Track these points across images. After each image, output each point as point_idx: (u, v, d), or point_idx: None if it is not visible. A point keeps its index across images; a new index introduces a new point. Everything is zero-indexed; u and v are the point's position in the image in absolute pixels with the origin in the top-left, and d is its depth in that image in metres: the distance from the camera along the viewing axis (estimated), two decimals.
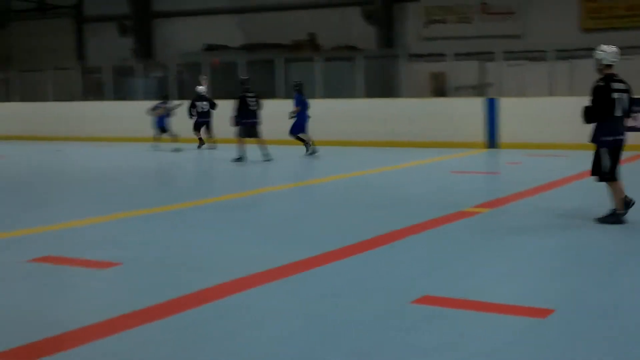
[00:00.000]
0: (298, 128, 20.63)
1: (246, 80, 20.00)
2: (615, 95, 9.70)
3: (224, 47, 31.79)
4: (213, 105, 23.60)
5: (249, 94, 19.48)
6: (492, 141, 22.03)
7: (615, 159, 9.88)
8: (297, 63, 28.37)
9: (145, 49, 34.80)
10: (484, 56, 26.43)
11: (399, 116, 23.47)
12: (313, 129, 24.35)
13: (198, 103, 23.48)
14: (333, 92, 25.29)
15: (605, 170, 9.87)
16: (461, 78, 25.69)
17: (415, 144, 22.51)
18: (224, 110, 21.45)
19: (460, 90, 26.05)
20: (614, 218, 9.86)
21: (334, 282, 7.23)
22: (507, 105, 21.93)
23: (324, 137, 24.30)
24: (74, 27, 37.53)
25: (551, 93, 22.09)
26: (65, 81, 31.35)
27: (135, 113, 26.18)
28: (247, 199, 12.88)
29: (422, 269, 7.75)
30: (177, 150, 21.89)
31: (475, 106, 22.46)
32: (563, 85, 23.19)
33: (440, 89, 26.79)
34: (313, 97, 25.06)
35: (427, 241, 9.25)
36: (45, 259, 8.30)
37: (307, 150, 20.53)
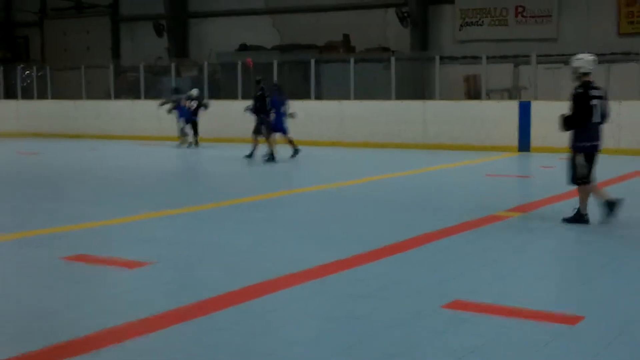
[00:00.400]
0: (278, 127, 20.20)
1: (261, 80, 20.04)
2: (594, 101, 10.04)
3: (258, 48, 31.85)
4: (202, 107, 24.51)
5: (266, 94, 19.56)
6: (525, 145, 21.92)
7: (590, 164, 10.17)
8: (331, 64, 28.39)
9: (180, 49, 34.94)
10: (519, 59, 26.33)
11: (432, 118, 23.43)
12: (347, 129, 24.41)
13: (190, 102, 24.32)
14: (366, 93, 25.28)
15: (582, 174, 10.15)
16: (495, 81, 25.60)
17: (447, 147, 22.46)
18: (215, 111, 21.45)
19: (494, 93, 25.95)
20: (578, 218, 10.17)
21: (365, 284, 7.24)
22: (541, 109, 21.80)
23: (356, 139, 24.34)
24: (110, 26, 37.75)
25: None
26: (99, 79, 31.57)
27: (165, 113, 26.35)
28: (278, 199, 12.91)
29: (453, 273, 7.74)
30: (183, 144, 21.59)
31: (508, 109, 22.37)
32: None
33: (473, 91, 26.71)
34: (347, 98, 25.10)
35: (459, 245, 9.22)
36: (78, 258, 8.37)
37: (267, 154, 19.78)
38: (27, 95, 32.10)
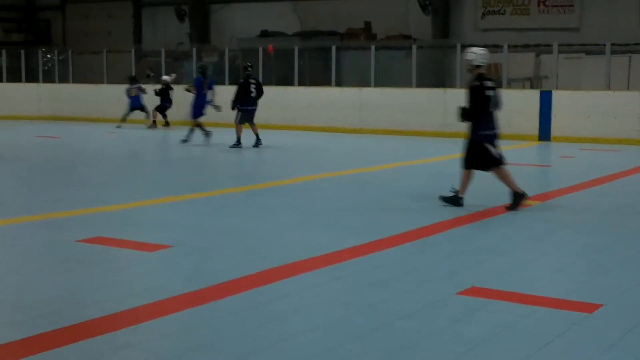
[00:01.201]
0: (196, 112, 20.18)
1: (249, 66, 19.93)
2: (489, 92, 10.52)
3: (280, 34, 31.81)
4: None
5: (252, 81, 19.41)
6: (545, 134, 21.82)
7: (489, 152, 10.65)
8: (351, 51, 28.32)
9: (201, 34, 34.93)
10: (540, 49, 26.19)
11: (452, 107, 23.31)
12: (367, 117, 24.35)
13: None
14: (387, 81, 25.21)
15: (496, 157, 10.64)
16: (516, 70, 25.47)
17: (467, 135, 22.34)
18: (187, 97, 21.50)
19: (515, 83, 25.84)
20: (454, 200, 10.65)
21: (381, 271, 7.24)
22: (562, 99, 21.69)
23: (376, 126, 24.29)
24: (132, 10, 37.80)
25: (607, 87, 21.80)
26: (120, 64, 31.63)
27: (189, 97, 26.35)
28: (294, 185, 12.92)
29: (469, 261, 7.73)
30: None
31: (529, 99, 22.26)
32: (620, 79, 22.90)
33: (495, 80, 26.58)
34: (368, 85, 25.05)
35: (475, 233, 9.22)
36: (95, 240, 8.41)
37: (205, 135, 20.10)
38: (48, 78, 32.20)
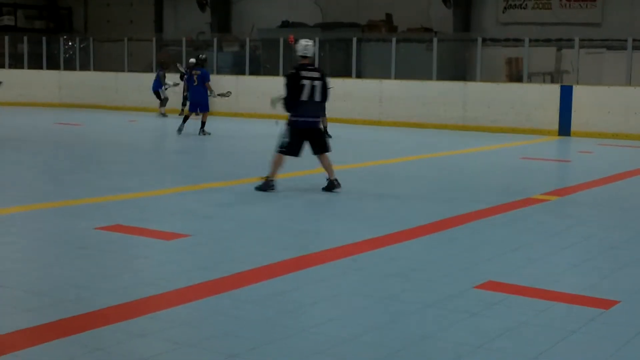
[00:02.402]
0: (204, 106, 19.85)
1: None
2: (304, 82, 11.00)
3: (301, 25, 31.76)
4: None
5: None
6: (565, 129, 21.75)
7: (298, 137, 11.15)
8: (372, 43, 28.28)
9: (222, 24, 34.92)
10: (562, 43, 26.07)
11: (472, 100, 23.31)
12: (387, 109, 24.37)
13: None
14: (407, 73, 25.17)
15: (283, 144, 11.16)
16: (537, 64, 25.38)
17: (487, 129, 22.35)
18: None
19: (536, 77, 25.74)
20: (266, 186, 11.08)
21: (399, 263, 7.25)
22: (583, 94, 21.62)
23: (395, 118, 24.28)
24: None
25: (629, 82, 21.70)
26: (141, 52, 31.71)
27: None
28: (313, 177, 12.92)
29: (486, 255, 7.73)
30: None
31: (550, 93, 22.19)
32: None
33: (515, 74, 26.51)
34: (388, 77, 25.03)
35: (493, 227, 9.21)
36: (114, 228, 8.45)
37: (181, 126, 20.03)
38: (69, 66, 32.29)
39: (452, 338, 5.24)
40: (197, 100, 19.56)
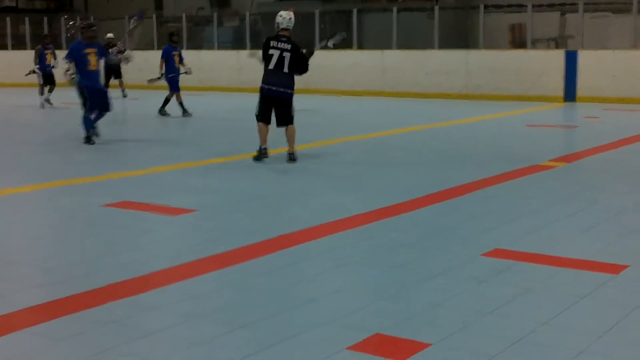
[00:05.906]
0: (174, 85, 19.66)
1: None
2: (272, 51, 11.34)
3: None
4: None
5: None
6: (571, 95, 21.66)
7: (264, 104, 11.44)
8: (373, 13, 28.14)
9: None
10: (566, 7, 25.91)
11: (475, 68, 23.21)
12: (389, 79, 24.26)
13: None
14: (408, 43, 25.06)
15: (256, 112, 11.51)
16: (541, 30, 25.24)
17: (492, 97, 22.27)
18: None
19: (540, 43, 25.61)
20: (259, 155, 11.38)
21: (406, 233, 7.24)
22: (588, 59, 21.52)
23: (398, 89, 24.20)
24: None
25: (634, 46, 21.57)
26: (142, 30, 31.57)
27: (209, 63, 26.38)
28: (319, 149, 12.90)
29: (493, 222, 7.71)
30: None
31: (554, 59, 22.09)
32: None
33: (518, 41, 26.38)
34: (389, 48, 24.91)
35: (500, 194, 9.18)
36: (120, 205, 8.45)
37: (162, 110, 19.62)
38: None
39: (460, 306, 5.22)
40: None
